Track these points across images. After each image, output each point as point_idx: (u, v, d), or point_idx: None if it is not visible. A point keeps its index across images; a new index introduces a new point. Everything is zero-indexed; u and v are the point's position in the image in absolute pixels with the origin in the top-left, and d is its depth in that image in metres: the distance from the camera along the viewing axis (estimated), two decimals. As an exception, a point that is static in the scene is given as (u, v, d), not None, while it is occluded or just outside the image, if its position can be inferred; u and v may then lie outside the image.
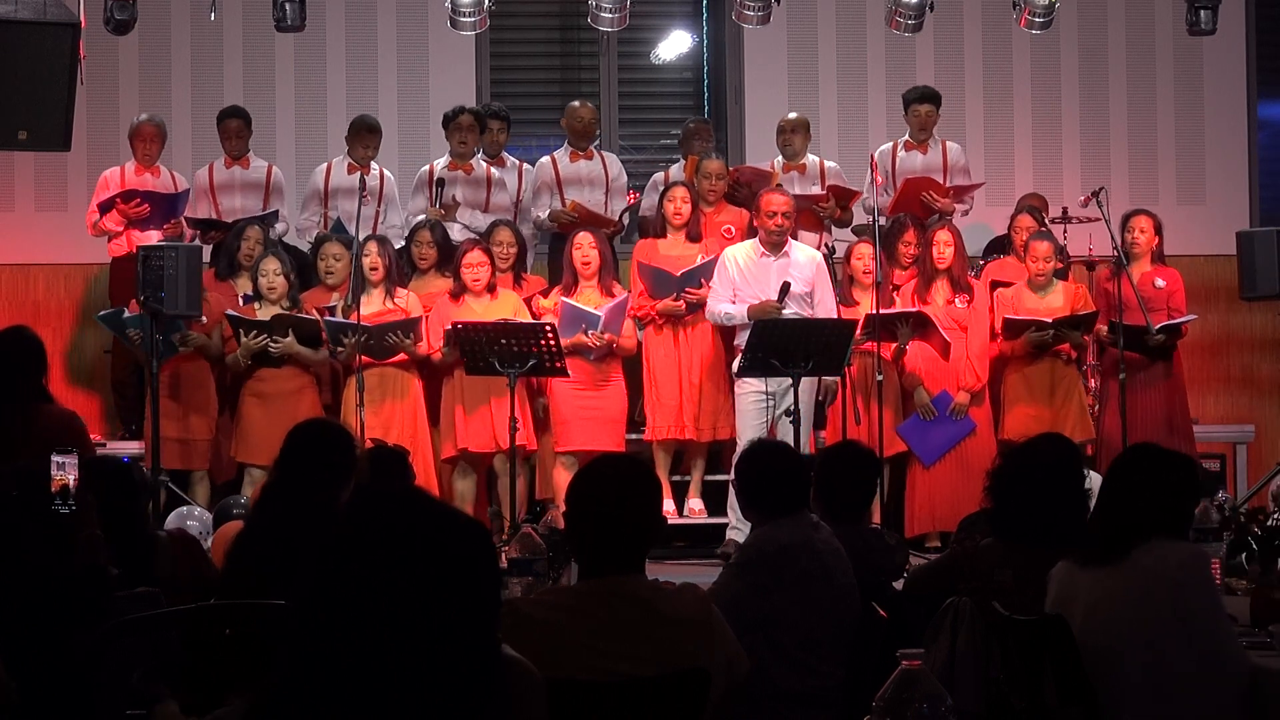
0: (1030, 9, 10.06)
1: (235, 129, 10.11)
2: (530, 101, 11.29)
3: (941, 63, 11.32)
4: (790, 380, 8.35)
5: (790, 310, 8.74)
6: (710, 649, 3.53)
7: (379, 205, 9.92)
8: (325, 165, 10.09)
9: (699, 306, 9.12)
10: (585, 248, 9.13)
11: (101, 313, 9.52)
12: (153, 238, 9.42)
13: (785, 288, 8.73)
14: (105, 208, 9.73)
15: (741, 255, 8.98)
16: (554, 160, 10.06)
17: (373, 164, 10.04)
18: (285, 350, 8.93)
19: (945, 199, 9.77)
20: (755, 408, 8.71)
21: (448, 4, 9.92)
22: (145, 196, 9.71)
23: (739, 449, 8.67)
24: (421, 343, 8.98)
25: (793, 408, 8.26)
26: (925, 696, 2.55)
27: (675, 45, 11.76)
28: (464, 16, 9.90)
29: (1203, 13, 10.20)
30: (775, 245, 8.91)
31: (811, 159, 10.08)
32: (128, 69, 10.93)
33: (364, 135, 10.04)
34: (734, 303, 8.88)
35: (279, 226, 9.95)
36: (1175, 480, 4.22)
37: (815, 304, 8.87)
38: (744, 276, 8.90)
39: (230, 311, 9.02)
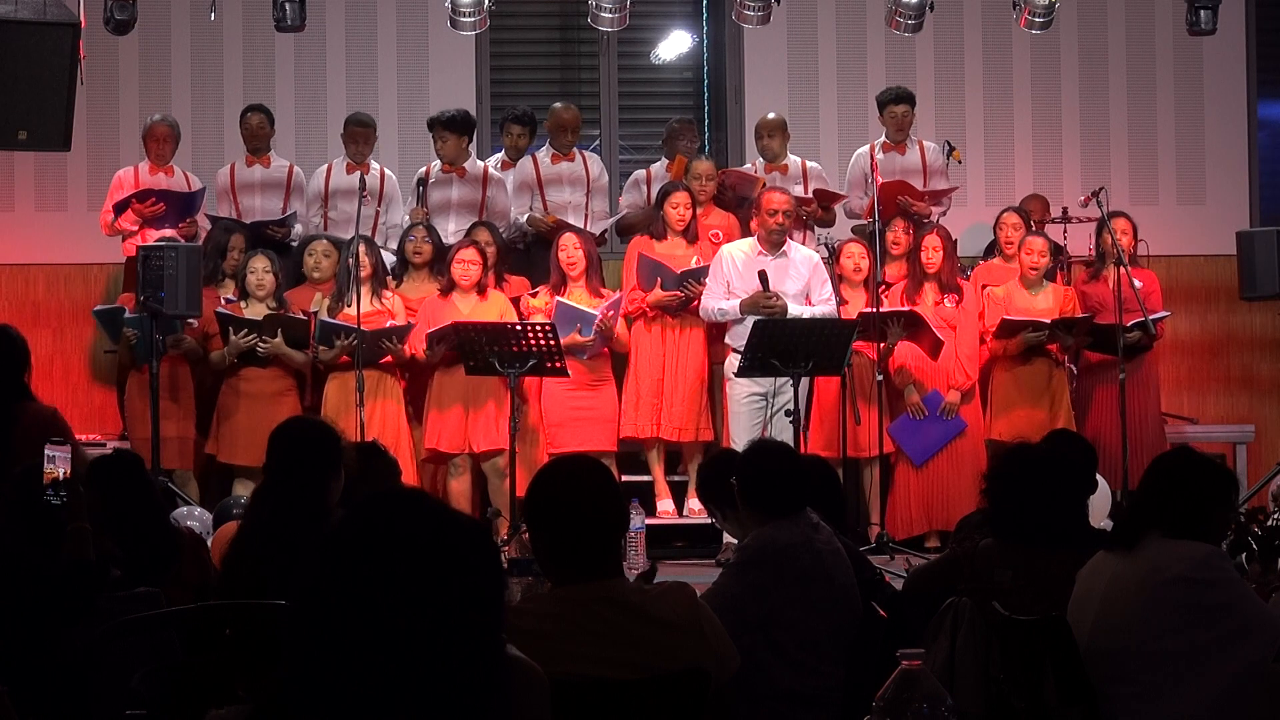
0: (1030, 9, 10.06)
1: (256, 124, 10.10)
2: (530, 102, 11.24)
3: (941, 63, 11.31)
4: (780, 380, 8.36)
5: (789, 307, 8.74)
6: (702, 649, 3.49)
7: (379, 204, 9.91)
8: (325, 166, 10.09)
9: (690, 303, 9.10)
10: (570, 249, 9.12)
11: (100, 307, 9.51)
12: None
13: (763, 276, 8.72)
14: (120, 208, 9.73)
15: (739, 253, 8.98)
16: (535, 160, 10.05)
17: (372, 163, 10.04)
18: (273, 351, 8.94)
19: (921, 203, 9.75)
20: (749, 408, 8.71)
21: (448, 4, 9.92)
22: (160, 196, 9.71)
23: (733, 449, 8.73)
24: (405, 345, 8.98)
25: (792, 407, 8.27)
26: (925, 696, 2.55)
27: (675, 45, 11.75)
28: (464, 16, 9.90)
29: (1203, 13, 10.20)
30: (774, 244, 8.92)
31: (793, 159, 10.04)
32: (128, 69, 10.92)
33: (355, 132, 10.04)
34: (728, 299, 8.89)
35: (296, 229, 9.94)
36: (1203, 484, 4.20)
37: (814, 304, 8.86)
38: (739, 274, 8.89)
39: (220, 310, 9.02)
